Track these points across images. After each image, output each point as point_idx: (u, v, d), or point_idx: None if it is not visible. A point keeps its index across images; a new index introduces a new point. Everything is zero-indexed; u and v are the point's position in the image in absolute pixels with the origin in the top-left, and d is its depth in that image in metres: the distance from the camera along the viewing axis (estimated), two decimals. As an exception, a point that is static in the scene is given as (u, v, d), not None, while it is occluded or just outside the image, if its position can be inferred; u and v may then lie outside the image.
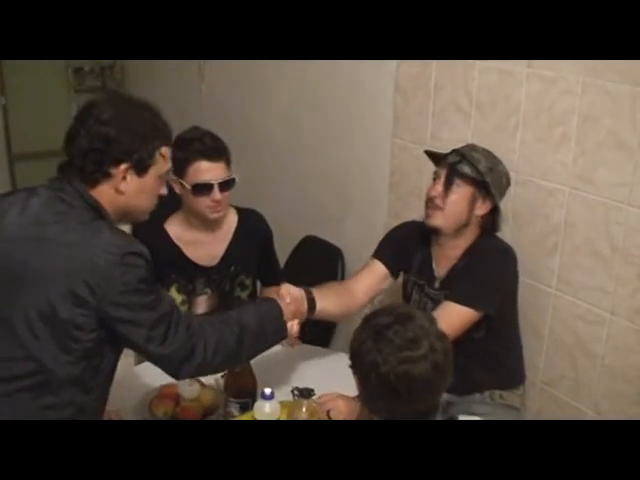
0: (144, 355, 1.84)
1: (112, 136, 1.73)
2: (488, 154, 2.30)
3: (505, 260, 2.34)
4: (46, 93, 5.09)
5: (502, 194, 2.32)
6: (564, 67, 2.27)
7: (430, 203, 2.32)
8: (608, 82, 2.17)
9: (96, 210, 1.76)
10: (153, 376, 2.27)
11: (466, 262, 2.33)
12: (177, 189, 2.49)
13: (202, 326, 1.87)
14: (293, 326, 2.11)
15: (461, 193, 2.27)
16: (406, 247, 2.48)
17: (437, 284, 2.40)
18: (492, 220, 2.34)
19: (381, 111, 3.03)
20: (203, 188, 2.45)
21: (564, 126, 2.31)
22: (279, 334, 2.06)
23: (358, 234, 3.28)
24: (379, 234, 3.12)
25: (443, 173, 2.30)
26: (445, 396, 2.43)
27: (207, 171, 2.44)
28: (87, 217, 1.74)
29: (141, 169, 1.79)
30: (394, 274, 2.52)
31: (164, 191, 1.90)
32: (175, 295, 2.60)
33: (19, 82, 4.94)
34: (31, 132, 5.00)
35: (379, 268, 2.50)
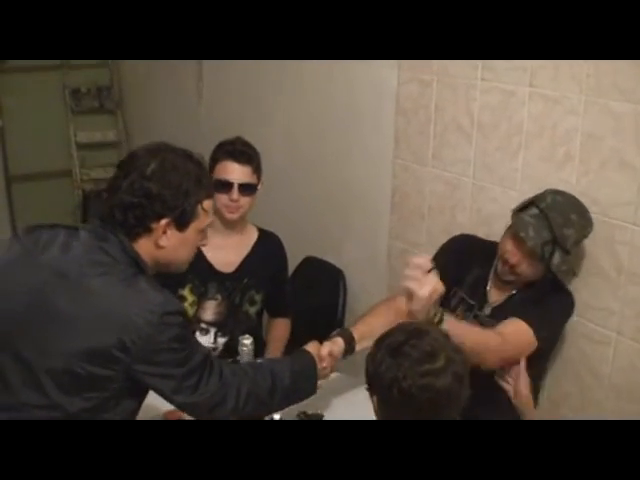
0: (173, 403, 1.81)
1: (154, 192, 1.71)
2: (582, 224, 2.17)
3: (568, 303, 2.31)
4: (43, 114, 5.08)
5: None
6: (566, 86, 2.28)
7: (506, 264, 2.25)
8: (611, 101, 2.17)
9: (137, 264, 1.75)
10: (158, 399, 2.25)
11: (526, 295, 2.28)
12: None
13: (234, 374, 1.85)
14: (322, 383, 2.10)
15: (539, 266, 2.20)
16: (463, 261, 2.40)
17: (489, 310, 2.35)
18: None
19: (382, 131, 3.03)
20: (223, 185, 2.55)
21: (567, 146, 2.31)
22: (310, 393, 2.04)
23: (359, 255, 3.28)
24: (381, 255, 3.13)
25: (524, 245, 2.16)
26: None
27: (231, 171, 2.56)
28: (128, 272, 1.72)
29: (182, 224, 1.77)
30: (447, 286, 2.35)
31: (205, 242, 1.92)
32: (188, 295, 2.64)
33: (16, 103, 4.93)
34: (28, 153, 4.99)
35: (434, 281, 2.43)
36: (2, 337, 1.71)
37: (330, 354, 2.11)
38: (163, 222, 1.74)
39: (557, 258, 2.14)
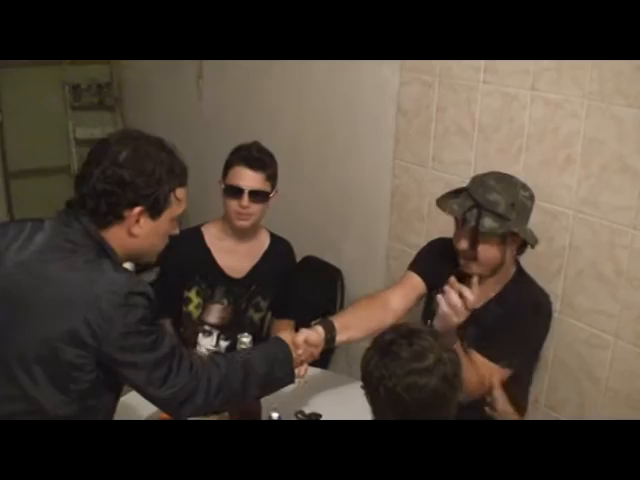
0: (144, 396, 1.78)
1: (127, 179, 1.70)
2: (503, 186, 2.20)
3: (541, 320, 2.33)
4: (43, 110, 5.05)
5: (529, 216, 2.25)
6: (569, 90, 2.28)
7: (462, 254, 2.28)
8: (613, 105, 2.17)
9: (101, 248, 1.73)
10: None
11: (501, 312, 2.29)
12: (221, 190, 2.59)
13: (205, 366, 1.83)
14: (300, 371, 2.09)
15: (490, 244, 2.21)
16: (440, 264, 2.40)
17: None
18: (524, 241, 2.28)
19: (382, 132, 3.02)
20: (234, 191, 2.54)
21: (569, 149, 2.31)
22: (286, 381, 2.01)
23: (358, 255, 3.28)
24: (380, 255, 3.13)
25: (466, 232, 2.23)
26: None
27: (243, 177, 2.54)
28: (91, 255, 1.70)
29: (155, 212, 1.76)
30: (428, 287, 2.45)
31: (176, 231, 1.88)
32: (193, 297, 2.66)
33: (16, 99, 4.91)
34: (27, 149, 4.97)
35: (415, 280, 2.45)
36: None
37: (306, 341, 2.08)
38: (136, 210, 1.72)
39: (488, 222, 2.15)
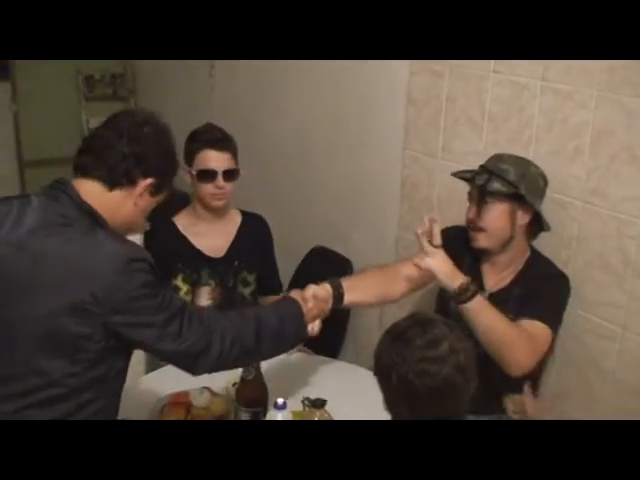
0: (157, 354, 1.83)
1: (149, 150, 1.78)
2: (516, 160, 2.28)
3: (566, 287, 2.33)
4: (57, 100, 5.09)
5: (541, 196, 2.28)
6: (578, 81, 2.27)
7: (471, 226, 2.31)
8: (623, 96, 2.16)
9: (93, 218, 1.74)
10: (164, 384, 2.27)
11: (525, 290, 2.29)
12: (188, 179, 2.64)
13: (217, 319, 1.86)
14: (314, 327, 2.10)
15: (498, 210, 2.25)
16: (455, 251, 2.36)
17: (485, 295, 2.31)
18: (537, 223, 2.31)
19: (392, 122, 3.02)
20: (208, 175, 2.61)
21: (578, 140, 2.31)
22: (299, 335, 2.03)
23: (368, 245, 3.28)
24: (389, 246, 3.14)
25: (475, 195, 2.29)
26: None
27: (213, 159, 2.62)
28: (86, 226, 1.72)
29: (158, 190, 1.83)
30: None
31: (147, 226, 1.98)
32: (180, 284, 2.67)
33: (30, 89, 4.94)
34: (42, 139, 5.01)
35: None
36: None
37: (315, 296, 2.09)
38: (148, 181, 1.79)
39: (496, 185, 2.21)
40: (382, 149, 3.13)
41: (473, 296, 2.12)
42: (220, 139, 2.64)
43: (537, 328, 2.21)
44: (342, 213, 3.43)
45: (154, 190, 1.81)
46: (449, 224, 2.59)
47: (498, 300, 2.30)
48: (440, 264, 2.17)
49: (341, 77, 3.24)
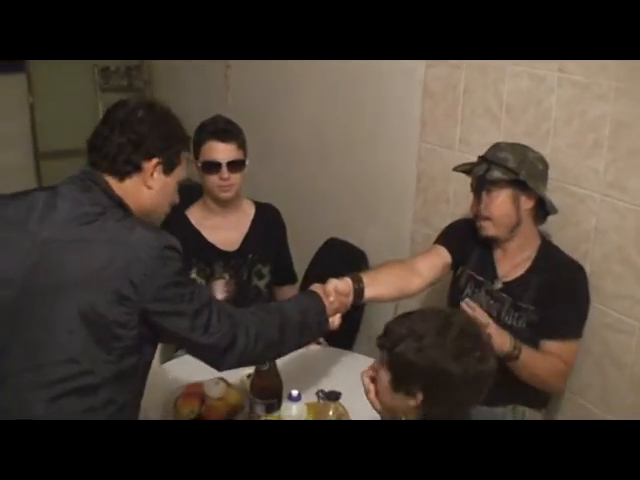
0: (187, 346, 1.86)
1: (145, 132, 1.81)
2: (514, 147, 2.29)
3: (584, 277, 2.33)
4: (73, 92, 5.11)
5: (544, 180, 2.30)
6: (596, 72, 2.25)
7: (477, 216, 2.34)
8: (642, 89, 2.14)
9: (122, 207, 1.79)
10: (179, 375, 2.28)
11: (543, 279, 2.30)
12: (196, 171, 2.64)
13: (243, 314, 1.88)
14: (335, 320, 2.11)
15: (501, 198, 2.26)
16: (466, 240, 2.45)
17: (500, 284, 2.37)
18: (543, 207, 2.31)
19: (409, 115, 3.01)
20: (211, 166, 2.61)
21: (596, 132, 2.29)
22: (321, 329, 2.06)
23: (383, 238, 3.27)
24: (404, 238, 3.13)
25: (476, 185, 2.33)
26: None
27: (217, 150, 2.60)
28: (119, 215, 1.76)
29: (168, 167, 1.86)
30: (455, 264, 2.49)
31: (176, 199, 1.97)
32: (195, 279, 2.66)
33: (46, 81, 4.97)
34: (58, 131, 5.03)
35: (444, 253, 2.48)
36: (15, 312, 1.71)
37: (336, 290, 2.11)
38: (154, 161, 1.82)
39: (496, 173, 2.24)
40: (398, 142, 3.11)
41: (518, 357, 2.16)
42: (224, 130, 2.63)
43: (566, 349, 2.27)
44: (357, 206, 3.43)
45: (165, 168, 1.84)
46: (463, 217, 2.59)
47: (515, 289, 2.33)
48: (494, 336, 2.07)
49: (357, 70, 3.23)
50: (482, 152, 2.38)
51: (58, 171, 4.97)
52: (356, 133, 3.35)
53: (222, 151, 2.60)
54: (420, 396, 1.58)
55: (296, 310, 1.98)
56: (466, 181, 2.68)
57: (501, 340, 2.13)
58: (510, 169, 2.23)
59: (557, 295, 2.27)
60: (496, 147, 2.32)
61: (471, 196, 2.38)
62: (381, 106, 3.18)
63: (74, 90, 5.12)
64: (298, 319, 1.96)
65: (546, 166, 2.31)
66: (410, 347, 1.58)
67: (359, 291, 2.21)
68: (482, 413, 2.30)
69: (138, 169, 1.81)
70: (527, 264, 2.35)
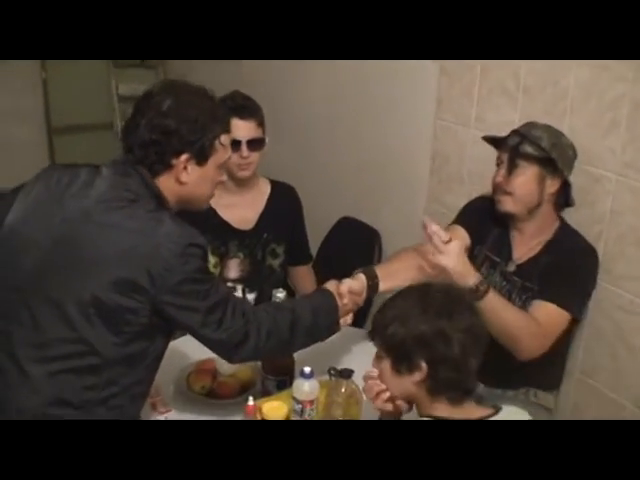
0: (199, 339, 1.85)
1: (172, 128, 1.76)
2: (549, 128, 2.26)
3: (593, 263, 2.31)
4: (85, 67, 5.07)
5: (570, 167, 2.27)
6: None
7: (498, 189, 2.30)
8: (661, 69, 2.12)
9: (159, 199, 1.79)
10: (191, 351, 2.28)
11: (552, 259, 2.28)
12: None
13: (256, 312, 1.90)
14: (347, 320, 2.14)
15: (527, 175, 2.23)
16: (484, 220, 2.42)
17: (513, 267, 2.36)
18: (565, 195, 2.29)
19: (424, 93, 3.00)
20: (231, 144, 2.47)
21: (614, 112, 2.26)
22: (332, 329, 2.07)
23: (397, 217, 3.27)
24: (418, 218, 3.08)
25: (505, 157, 2.27)
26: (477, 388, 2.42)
27: (236, 128, 2.44)
28: (151, 206, 1.76)
29: (201, 159, 1.81)
30: (472, 244, 2.46)
31: (224, 178, 1.94)
32: (210, 257, 2.61)
33: (59, 56, 4.96)
34: (71, 106, 5.03)
35: (461, 232, 2.45)
36: (32, 280, 1.73)
37: (350, 291, 2.11)
38: (183, 157, 1.79)
39: (528, 148, 2.21)
40: (413, 120, 3.10)
41: (483, 295, 2.10)
42: (243, 106, 2.57)
43: (551, 313, 2.20)
44: (371, 185, 3.42)
45: (199, 160, 1.81)
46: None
47: (525, 271, 2.31)
48: (453, 263, 2.08)
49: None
50: (498, 131, 2.37)
51: (70, 146, 5.06)
52: (371, 111, 3.34)
53: (242, 128, 2.53)
54: (423, 365, 1.62)
55: (308, 310, 1.99)
56: (481, 161, 2.68)
57: (459, 274, 2.07)
58: (542, 148, 2.20)
59: (562, 271, 2.25)
60: (531, 125, 2.28)
61: (485, 175, 2.37)
62: (397, 85, 3.16)
63: (87, 66, 5.08)
64: (309, 319, 1.98)
65: (575, 155, 2.28)
66: (399, 326, 1.65)
67: (374, 286, 2.21)
68: (493, 397, 2.32)
69: (169, 166, 1.79)
70: (540, 246, 2.34)
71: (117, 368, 1.74)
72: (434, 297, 1.67)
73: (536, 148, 2.20)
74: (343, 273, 2.25)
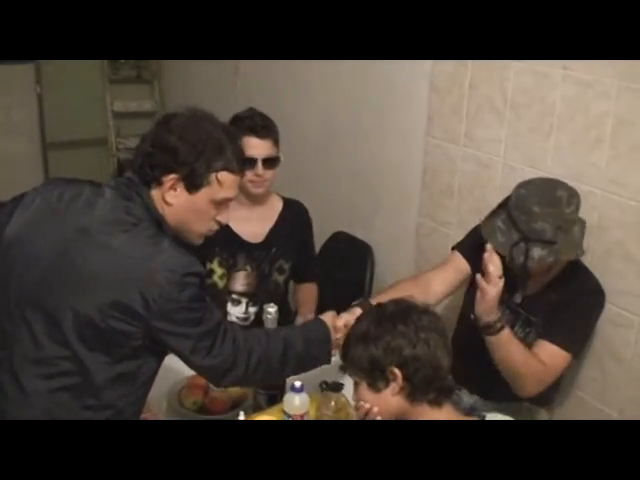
0: (188, 364, 1.85)
1: (171, 145, 1.76)
2: (547, 212, 2.12)
3: (600, 304, 2.31)
4: (81, 83, 5.11)
5: (578, 245, 2.19)
6: (600, 70, 2.26)
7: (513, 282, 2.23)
8: (645, 86, 2.16)
9: (159, 223, 1.79)
10: (182, 366, 2.28)
11: (559, 297, 2.27)
12: None
13: (247, 339, 1.89)
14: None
15: (542, 266, 2.17)
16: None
17: (519, 298, 2.32)
18: None
19: (415, 109, 3.03)
20: (247, 161, 2.48)
21: (598, 129, 2.30)
22: (323, 362, 2.05)
23: (389, 232, 3.30)
24: (410, 232, 3.15)
25: (518, 271, 2.17)
26: (471, 399, 2.43)
27: (253, 146, 2.55)
28: (151, 232, 1.76)
29: (191, 185, 1.79)
30: (473, 272, 2.36)
31: (224, 219, 1.91)
32: (216, 268, 2.68)
33: (54, 71, 4.96)
34: (65, 121, 5.05)
35: (460, 261, 2.44)
36: (31, 295, 1.75)
37: (346, 325, 2.08)
38: (171, 177, 1.77)
39: (537, 252, 2.11)
40: (404, 137, 3.13)
41: (498, 332, 2.12)
42: (262, 126, 2.60)
43: (555, 355, 2.22)
44: (363, 199, 3.45)
45: (186, 185, 1.78)
46: (469, 212, 2.60)
47: (530, 304, 2.31)
48: (493, 295, 2.08)
49: (365, 64, 3.23)
50: (486, 148, 2.38)
51: (65, 162, 5.06)
52: (363, 127, 3.37)
53: (259, 147, 2.58)
54: (396, 371, 1.67)
55: (301, 340, 1.98)
56: (471, 176, 2.71)
57: (489, 307, 2.09)
58: (548, 241, 2.11)
59: (568, 310, 2.25)
60: (529, 213, 2.12)
61: (476, 191, 2.38)
62: (388, 101, 3.19)
63: (82, 81, 5.12)
64: (301, 349, 1.96)
65: (578, 206, 2.18)
66: (362, 345, 1.71)
67: None
68: (486, 408, 2.33)
69: (158, 182, 1.79)
70: (548, 280, 2.31)
71: (111, 391, 1.76)
72: (385, 309, 1.75)
73: (543, 246, 2.10)
74: (335, 289, 2.26)
